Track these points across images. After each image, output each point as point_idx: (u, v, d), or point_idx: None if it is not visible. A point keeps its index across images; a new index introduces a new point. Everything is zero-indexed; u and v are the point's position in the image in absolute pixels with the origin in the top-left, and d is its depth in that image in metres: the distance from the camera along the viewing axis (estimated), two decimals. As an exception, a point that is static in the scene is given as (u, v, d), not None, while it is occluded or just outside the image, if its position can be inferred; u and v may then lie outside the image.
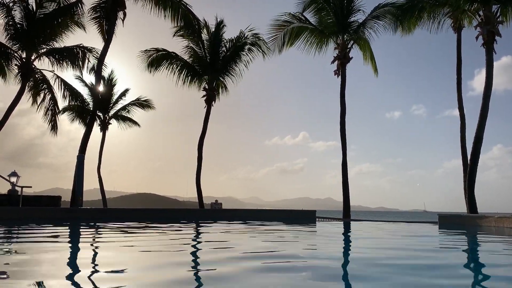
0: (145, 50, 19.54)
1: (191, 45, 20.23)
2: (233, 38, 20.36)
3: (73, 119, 25.57)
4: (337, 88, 18.35)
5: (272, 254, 4.34)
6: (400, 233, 8.36)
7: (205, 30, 20.12)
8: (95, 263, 3.58)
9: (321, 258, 4.23)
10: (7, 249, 4.47)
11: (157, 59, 19.63)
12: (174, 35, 19.40)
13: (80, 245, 5.23)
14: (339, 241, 6.61)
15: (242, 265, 3.47)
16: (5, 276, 2.74)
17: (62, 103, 22.19)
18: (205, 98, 20.12)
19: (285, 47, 18.57)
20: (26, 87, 18.60)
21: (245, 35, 20.07)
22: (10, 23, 17.89)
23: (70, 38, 18.92)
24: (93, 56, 18.63)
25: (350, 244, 6.18)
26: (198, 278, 2.90)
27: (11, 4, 17.68)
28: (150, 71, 19.63)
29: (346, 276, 3.10)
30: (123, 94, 27.51)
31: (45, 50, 18.82)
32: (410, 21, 17.17)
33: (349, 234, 8.22)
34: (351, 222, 13.65)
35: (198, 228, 8.42)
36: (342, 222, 13.33)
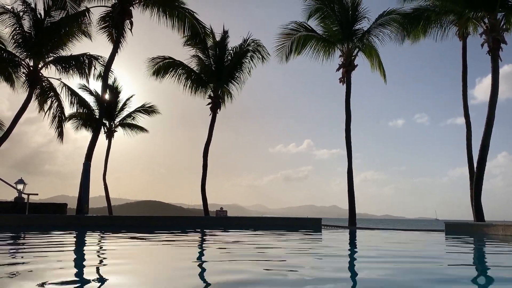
0: (152, 58, 19.71)
1: (198, 53, 20.37)
2: (236, 46, 20.50)
3: (77, 127, 25.69)
4: (340, 95, 18.38)
5: (280, 264, 4.32)
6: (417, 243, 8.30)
7: (211, 39, 20.27)
8: (101, 271, 3.59)
9: (328, 270, 4.21)
10: (13, 257, 4.49)
11: (164, 67, 19.79)
12: (184, 45, 19.59)
13: (86, 252, 5.23)
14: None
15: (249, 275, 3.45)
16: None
17: (69, 111, 22.40)
18: (210, 105, 20.21)
19: (293, 55, 18.65)
20: (33, 95, 18.78)
21: (248, 42, 20.20)
22: (18, 31, 18.14)
23: (77, 47, 19.11)
24: (100, 64, 18.82)
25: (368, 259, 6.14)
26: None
27: (21, 13, 17.94)
28: (157, 78, 19.81)
29: None
30: (128, 99, 27.66)
31: (52, 58, 19.04)
32: (416, 30, 17.20)
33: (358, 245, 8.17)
34: (363, 230, 13.55)
35: (204, 237, 8.41)
36: (348, 230, 13.24)
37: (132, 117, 27.83)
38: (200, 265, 4.09)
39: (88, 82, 21.04)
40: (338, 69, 18.69)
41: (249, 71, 20.48)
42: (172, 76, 20.09)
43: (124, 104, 27.67)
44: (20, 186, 13.67)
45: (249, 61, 20.37)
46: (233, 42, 20.94)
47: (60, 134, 20.52)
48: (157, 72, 19.74)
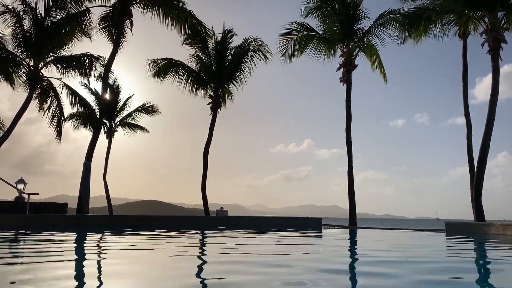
0: (152, 60, 19.69)
1: (198, 53, 20.36)
2: (237, 45, 20.50)
3: (76, 126, 25.69)
4: (341, 95, 18.42)
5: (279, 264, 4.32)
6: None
7: (212, 38, 20.26)
8: (101, 270, 3.59)
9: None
10: (13, 257, 4.50)
11: (164, 68, 19.76)
12: (182, 44, 19.58)
13: (86, 252, 5.24)
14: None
15: (250, 275, 3.46)
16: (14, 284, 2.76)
17: (69, 110, 22.42)
18: (210, 105, 20.20)
19: (296, 55, 18.68)
20: (34, 95, 18.79)
21: (248, 42, 20.20)
22: (19, 31, 18.16)
23: (77, 47, 19.14)
24: (100, 64, 18.84)
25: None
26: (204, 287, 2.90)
27: (21, 13, 17.97)
28: (158, 80, 19.76)
29: None
30: (128, 99, 27.67)
31: (52, 58, 19.05)
32: (417, 30, 17.20)
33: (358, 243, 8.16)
34: (363, 230, 13.56)
35: (204, 236, 8.41)
36: (348, 230, 13.24)
37: (132, 117, 27.85)
38: (199, 265, 4.09)
39: (88, 82, 21.08)
40: (338, 69, 18.71)
41: (250, 71, 20.49)
42: (173, 77, 20.09)
43: (124, 103, 27.69)
44: (20, 186, 13.69)
45: (249, 61, 20.37)
46: (234, 41, 20.90)
47: (59, 134, 20.55)
48: (158, 73, 19.72)
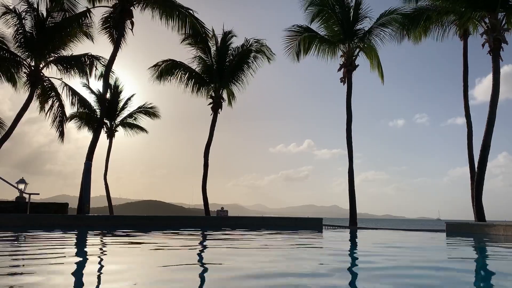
0: (154, 65, 19.63)
1: (199, 53, 20.36)
2: (238, 46, 20.49)
3: (80, 126, 25.73)
4: (341, 95, 18.44)
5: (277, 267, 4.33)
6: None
7: (213, 39, 20.26)
8: (101, 270, 3.60)
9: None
10: (13, 257, 4.51)
11: (165, 69, 19.73)
12: (181, 42, 19.56)
13: (86, 252, 5.25)
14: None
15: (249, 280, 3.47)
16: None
17: (70, 110, 22.43)
18: (211, 106, 20.20)
19: (302, 55, 18.71)
20: (35, 95, 18.81)
21: (250, 43, 20.19)
22: (20, 31, 18.19)
23: (78, 47, 19.18)
24: (101, 64, 18.86)
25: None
26: None
27: (23, 14, 18.01)
28: (160, 82, 19.71)
29: None
30: (129, 99, 27.66)
31: (53, 58, 19.08)
32: (417, 30, 17.22)
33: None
34: (364, 230, 13.56)
35: (204, 236, 8.42)
36: (349, 230, 13.24)
37: (133, 118, 27.84)
38: (199, 265, 4.10)
39: (88, 82, 21.08)
40: (339, 69, 18.73)
41: (253, 71, 20.48)
42: (174, 78, 20.07)
43: (125, 103, 27.69)
44: (21, 186, 13.72)
45: (252, 61, 20.37)
46: (234, 42, 20.90)
47: (61, 134, 20.57)
48: (159, 76, 19.68)
